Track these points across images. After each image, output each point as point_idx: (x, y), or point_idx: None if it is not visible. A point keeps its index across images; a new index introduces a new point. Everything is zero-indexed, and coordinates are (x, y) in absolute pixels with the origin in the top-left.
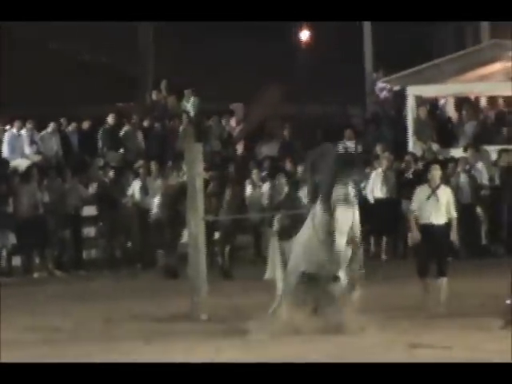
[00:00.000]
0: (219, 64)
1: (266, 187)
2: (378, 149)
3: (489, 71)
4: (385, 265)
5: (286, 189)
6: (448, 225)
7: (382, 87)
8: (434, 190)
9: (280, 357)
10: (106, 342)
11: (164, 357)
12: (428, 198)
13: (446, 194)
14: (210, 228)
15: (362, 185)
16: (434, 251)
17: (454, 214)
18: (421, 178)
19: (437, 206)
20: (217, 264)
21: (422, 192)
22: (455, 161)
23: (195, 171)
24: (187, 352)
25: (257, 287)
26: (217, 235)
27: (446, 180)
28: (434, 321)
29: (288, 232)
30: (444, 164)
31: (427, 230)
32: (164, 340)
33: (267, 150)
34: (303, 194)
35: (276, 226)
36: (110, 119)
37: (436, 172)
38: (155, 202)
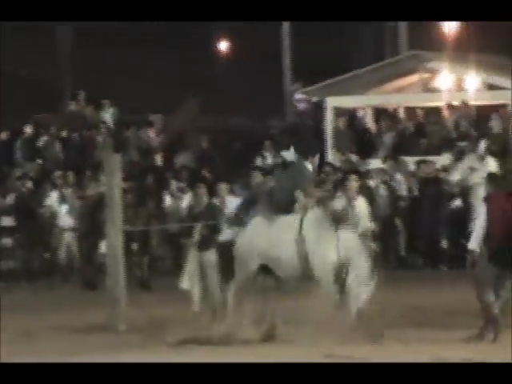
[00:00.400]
0: (139, 75)
1: (185, 198)
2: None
3: (407, 82)
4: None
5: (205, 199)
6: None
7: (301, 98)
8: (350, 201)
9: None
10: (24, 355)
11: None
12: (343, 209)
13: (361, 204)
14: (129, 239)
15: None
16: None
17: (369, 225)
18: (338, 188)
19: (352, 217)
20: (135, 275)
21: (338, 202)
22: (373, 172)
23: (114, 182)
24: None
25: (175, 298)
26: (135, 246)
27: (362, 191)
28: (353, 333)
29: (207, 242)
30: (361, 174)
31: None
32: (83, 351)
33: (184, 160)
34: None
35: (195, 236)
36: (28, 130)
37: (353, 183)
38: (73, 212)
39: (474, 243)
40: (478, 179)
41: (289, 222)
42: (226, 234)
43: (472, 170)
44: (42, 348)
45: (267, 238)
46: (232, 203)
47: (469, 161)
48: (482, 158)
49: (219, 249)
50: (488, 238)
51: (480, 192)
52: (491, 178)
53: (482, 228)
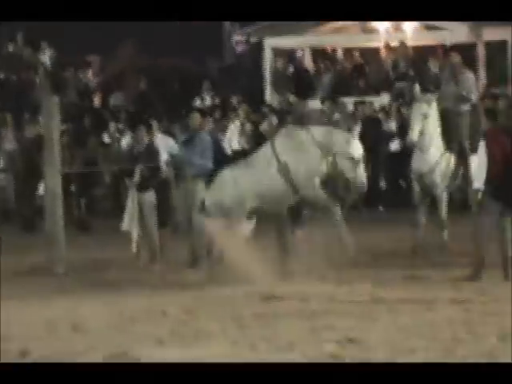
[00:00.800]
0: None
1: (124, 139)
2: (234, 100)
3: (344, 23)
4: None
5: (146, 140)
6: None
7: (239, 39)
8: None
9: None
10: None
11: (20, 312)
12: None
13: None
14: (67, 180)
15: (220, 136)
16: None
17: None
18: None
19: None
20: (74, 216)
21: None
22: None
23: (52, 123)
24: (44, 307)
25: (115, 240)
26: (73, 188)
27: None
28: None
29: (147, 183)
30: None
31: None
32: (21, 294)
33: (122, 101)
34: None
35: (136, 177)
36: None
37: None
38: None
39: (479, 182)
40: (431, 126)
41: (263, 155)
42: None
43: (425, 116)
44: None
45: (251, 180)
46: (170, 144)
47: (419, 108)
48: (429, 102)
49: (159, 191)
50: (488, 175)
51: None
52: (489, 114)
53: (484, 166)
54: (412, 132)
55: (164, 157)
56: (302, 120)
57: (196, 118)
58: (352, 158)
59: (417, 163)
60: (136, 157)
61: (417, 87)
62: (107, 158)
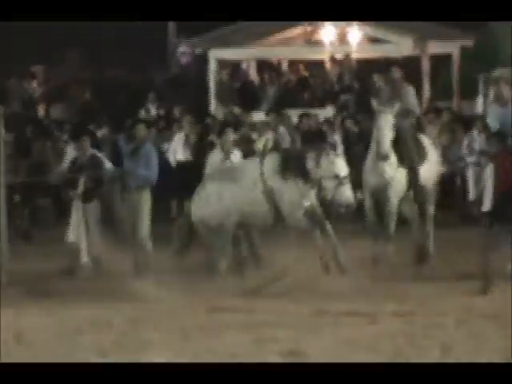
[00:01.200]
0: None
1: (69, 150)
2: (177, 112)
3: (290, 35)
4: None
5: (90, 150)
6: None
7: (184, 51)
8: (227, 155)
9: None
10: None
11: None
12: (221, 162)
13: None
14: (11, 190)
15: (164, 148)
16: None
17: None
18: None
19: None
20: (16, 227)
21: (214, 157)
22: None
23: None
24: None
25: (57, 250)
26: (17, 198)
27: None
28: None
29: (91, 194)
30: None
31: None
32: None
33: (66, 111)
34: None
35: (80, 187)
36: None
37: (229, 137)
38: None
39: (488, 204)
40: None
41: (250, 174)
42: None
43: (393, 127)
44: None
45: (235, 196)
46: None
47: (386, 119)
48: (393, 113)
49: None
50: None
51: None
52: (500, 136)
53: (492, 188)
54: (384, 144)
55: (108, 167)
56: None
57: (141, 129)
58: (337, 177)
59: (373, 177)
60: (80, 167)
61: (374, 100)
62: (51, 168)
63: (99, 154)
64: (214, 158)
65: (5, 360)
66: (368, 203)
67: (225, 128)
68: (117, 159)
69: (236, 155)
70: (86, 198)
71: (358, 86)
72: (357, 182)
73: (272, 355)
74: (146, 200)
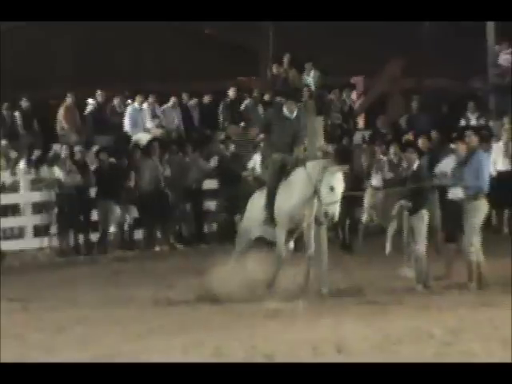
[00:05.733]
0: (340, 37)
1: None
2: (504, 121)
3: None
4: (507, 239)
5: (416, 162)
6: None
7: (506, 58)
8: None
9: None
10: (227, 315)
11: (285, 331)
12: None
13: None
14: None
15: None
16: None
17: None
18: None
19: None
20: (337, 238)
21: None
22: None
23: (316, 144)
24: (308, 326)
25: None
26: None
27: None
28: None
29: (419, 205)
30: None
31: None
32: (284, 313)
33: (386, 123)
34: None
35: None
36: (231, 93)
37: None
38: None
39: None
40: None
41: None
42: None
43: None
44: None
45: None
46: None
47: None
48: None
49: None
50: None
51: None
52: None
53: None
54: None
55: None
56: None
57: (473, 137)
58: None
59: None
60: (405, 178)
61: None
62: None
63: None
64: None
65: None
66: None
67: None
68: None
69: None
70: (414, 209)
71: None
72: None
73: None
74: (478, 210)
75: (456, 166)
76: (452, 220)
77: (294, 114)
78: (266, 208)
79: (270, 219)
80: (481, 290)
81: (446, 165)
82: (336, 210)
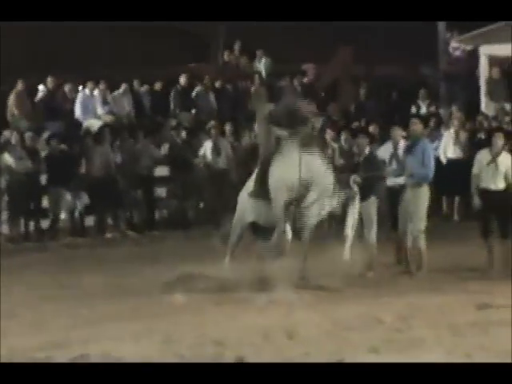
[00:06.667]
0: (291, 25)
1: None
2: (451, 109)
3: None
4: (457, 226)
5: (367, 149)
6: (507, 190)
7: (455, 47)
8: (494, 157)
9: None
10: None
11: (235, 317)
12: (488, 164)
13: (506, 161)
14: None
15: (434, 145)
16: (494, 215)
17: None
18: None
19: (496, 173)
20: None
21: (482, 157)
22: None
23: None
24: (259, 313)
25: None
26: None
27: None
28: (503, 282)
29: (369, 191)
30: (508, 132)
31: (486, 194)
32: (235, 301)
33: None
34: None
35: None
36: (183, 80)
37: (499, 140)
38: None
39: None
40: None
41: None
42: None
43: None
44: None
45: None
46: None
47: None
48: None
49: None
50: None
51: None
52: None
53: None
54: None
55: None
56: None
57: (417, 125)
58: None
59: None
60: (356, 165)
61: None
62: None
63: (376, 152)
64: (482, 160)
65: (275, 356)
66: None
67: (496, 131)
68: (390, 156)
69: (505, 157)
70: (364, 195)
71: None
72: None
73: None
74: (420, 197)
75: (396, 153)
76: (392, 207)
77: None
78: (257, 179)
79: (263, 190)
80: (418, 274)
81: (384, 152)
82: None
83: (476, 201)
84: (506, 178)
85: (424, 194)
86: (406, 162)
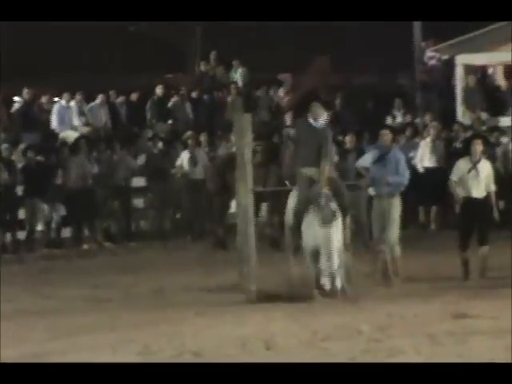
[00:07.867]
0: (267, 35)
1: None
2: (427, 118)
3: None
4: (434, 235)
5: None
6: (487, 198)
7: (431, 56)
8: (474, 164)
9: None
10: (156, 312)
11: (214, 328)
12: (469, 171)
13: (486, 168)
14: (259, 198)
15: (411, 154)
16: (475, 223)
17: (493, 188)
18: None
19: (476, 180)
20: (265, 235)
21: (462, 165)
22: (501, 131)
23: (244, 142)
24: (237, 323)
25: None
26: (265, 206)
27: (488, 153)
28: (479, 291)
29: None
30: (486, 138)
31: (467, 202)
32: (214, 311)
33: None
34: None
35: None
36: (159, 90)
37: (478, 146)
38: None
39: None
40: None
41: None
42: None
43: None
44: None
45: None
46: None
47: None
48: None
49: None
50: None
51: None
52: None
53: None
54: None
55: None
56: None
57: (387, 135)
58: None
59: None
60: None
61: None
62: None
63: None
64: (462, 167)
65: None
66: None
67: (474, 138)
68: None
69: (485, 164)
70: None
71: None
72: None
73: None
74: (395, 206)
75: (374, 162)
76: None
77: (320, 122)
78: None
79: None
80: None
81: (366, 160)
82: None
83: (457, 209)
84: (486, 185)
85: (398, 202)
86: (380, 172)
